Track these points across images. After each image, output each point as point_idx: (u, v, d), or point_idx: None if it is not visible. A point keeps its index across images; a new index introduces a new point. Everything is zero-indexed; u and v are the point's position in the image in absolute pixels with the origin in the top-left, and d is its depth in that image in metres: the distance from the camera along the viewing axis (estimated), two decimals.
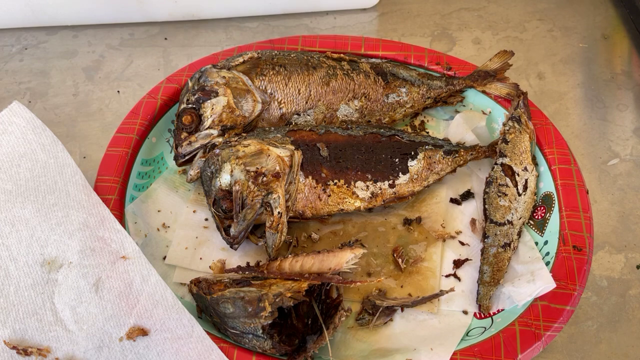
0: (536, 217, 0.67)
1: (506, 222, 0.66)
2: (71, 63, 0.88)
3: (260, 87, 0.71)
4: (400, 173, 0.68)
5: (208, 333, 0.56)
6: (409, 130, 0.77)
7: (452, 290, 0.62)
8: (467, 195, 0.71)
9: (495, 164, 0.69)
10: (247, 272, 0.61)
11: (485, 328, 0.60)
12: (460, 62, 0.78)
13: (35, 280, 0.58)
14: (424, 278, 0.64)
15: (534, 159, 0.70)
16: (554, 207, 0.66)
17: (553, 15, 0.97)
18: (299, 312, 0.60)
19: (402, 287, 0.64)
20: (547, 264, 0.62)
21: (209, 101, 0.69)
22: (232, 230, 0.63)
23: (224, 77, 0.70)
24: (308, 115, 0.73)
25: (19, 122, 0.67)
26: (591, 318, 0.65)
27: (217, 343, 0.56)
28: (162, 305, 0.57)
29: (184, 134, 0.69)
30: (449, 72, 0.77)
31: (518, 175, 0.68)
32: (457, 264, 0.66)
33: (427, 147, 0.70)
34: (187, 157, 0.69)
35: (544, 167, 0.69)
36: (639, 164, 0.78)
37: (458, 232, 0.68)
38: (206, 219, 0.69)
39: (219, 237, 0.65)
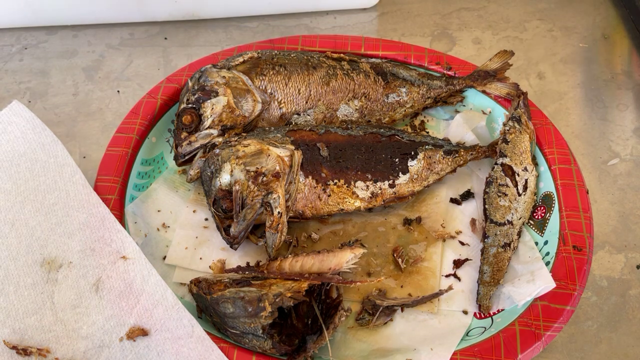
0: (536, 217, 0.67)
1: (506, 222, 0.66)
2: (71, 63, 0.88)
3: (260, 87, 0.71)
4: (400, 173, 0.68)
5: (208, 333, 0.56)
6: (409, 130, 0.77)
7: (450, 288, 0.62)
8: (467, 195, 0.71)
9: (495, 164, 0.69)
10: (247, 272, 0.61)
11: (485, 328, 0.60)
12: (460, 62, 0.78)
13: (35, 280, 0.58)
14: (424, 278, 0.64)
15: (534, 159, 0.70)
16: (554, 207, 0.66)
17: (553, 15, 0.97)
18: (299, 312, 0.60)
19: (402, 287, 0.64)
20: (547, 264, 0.62)
21: (209, 101, 0.69)
22: (232, 230, 0.63)
23: (224, 77, 0.70)
24: (308, 115, 0.73)
25: (18, 121, 0.67)
26: (591, 318, 0.65)
27: (217, 343, 0.56)
28: (162, 305, 0.57)
29: (184, 134, 0.69)
30: (449, 72, 0.77)
31: (518, 175, 0.68)
32: (457, 264, 0.66)
33: (427, 147, 0.70)
34: (187, 157, 0.69)
35: (544, 167, 0.69)
36: (639, 164, 0.78)
37: (458, 232, 0.68)
38: (206, 219, 0.69)
39: (219, 237, 0.65)
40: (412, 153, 0.69)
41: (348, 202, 0.67)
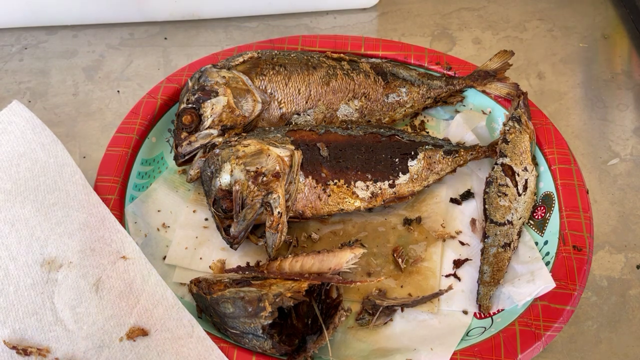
0: (536, 217, 0.67)
1: (506, 222, 0.66)
2: (71, 63, 0.88)
3: (260, 87, 0.71)
4: (400, 173, 0.68)
5: (208, 333, 0.56)
6: (409, 130, 0.77)
7: (450, 288, 0.62)
8: (467, 195, 0.71)
9: (496, 164, 0.69)
10: (247, 272, 0.61)
11: (485, 328, 0.60)
12: (460, 62, 0.78)
13: (35, 280, 0.58)
14: (424, 278, 0.64)
15: (534, 159, 0.70)
16: (554, 207, 0.66)
17: (553, 15, 0.97)
18: (299, 312, 0.60)
19: (402, 287, 0.64)
20: (547, 264, 0.62)
21: (209, 101, 0.68)
22: (232, 230, 0.63)
23: (224, 77, 0.70)
24: (308, 115, 0.73)
25: (18, 121, 0.67)
26: (591, 318, 0.65)
27: (217, 343, 0.56)
28: (162, 305, 0.57)
29: (184, 134, 0.69)
30: (449, 72, 0.77)
31: (518, 175, 0.68)
32: (457, 263, 0.66)
33: (427, 147, 0.70)
34: (187, 157, 0.69)
35: (544, 167, 0.69)
36: (639, 163, 0.78)
37: (458, 232, 0.68)
38: (206, 219, 0.69)
39: (219, 237, 0.65)
40: (412, 153, 0.69)
41: (348, 202, 0.67)
